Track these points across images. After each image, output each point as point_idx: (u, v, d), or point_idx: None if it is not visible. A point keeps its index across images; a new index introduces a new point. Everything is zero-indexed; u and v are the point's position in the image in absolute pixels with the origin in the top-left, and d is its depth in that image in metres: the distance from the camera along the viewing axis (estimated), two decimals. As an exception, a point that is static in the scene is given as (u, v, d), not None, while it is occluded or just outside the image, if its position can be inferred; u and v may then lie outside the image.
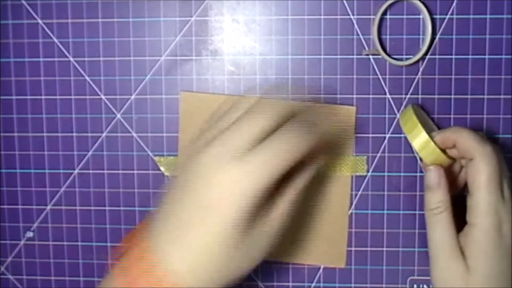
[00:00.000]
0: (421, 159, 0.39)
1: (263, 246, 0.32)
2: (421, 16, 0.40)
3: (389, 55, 0.40)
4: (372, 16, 0.41)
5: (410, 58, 0.40)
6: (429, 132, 0.37)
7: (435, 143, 0.36)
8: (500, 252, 0.34)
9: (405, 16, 0.40)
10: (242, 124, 0.32)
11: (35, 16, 0.42)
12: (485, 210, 0.34)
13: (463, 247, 0.35)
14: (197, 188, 0.31)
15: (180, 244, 0.31)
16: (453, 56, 0.41)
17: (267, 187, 0.30)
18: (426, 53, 0.40)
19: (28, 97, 0.43)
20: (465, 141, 0.35)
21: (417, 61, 0.40)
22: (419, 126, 0.37)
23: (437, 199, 0.36)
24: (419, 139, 0.37)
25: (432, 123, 0.41)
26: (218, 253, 0.30)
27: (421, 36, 0.41)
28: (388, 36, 0.41)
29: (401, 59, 0.40)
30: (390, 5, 0.40)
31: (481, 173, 0.34)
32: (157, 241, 0.32)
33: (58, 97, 0.43)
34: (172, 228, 0.32)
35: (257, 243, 0.32)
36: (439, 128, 0.41)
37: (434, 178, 0.36)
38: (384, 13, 0.40)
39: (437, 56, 0.41)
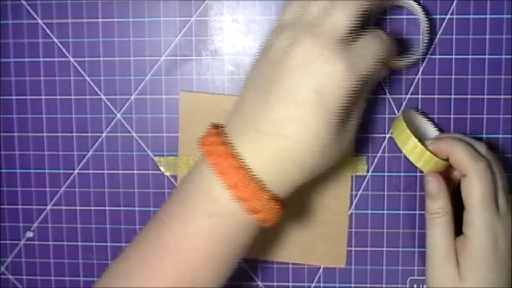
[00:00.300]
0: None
1: (344, 149, 0.33)
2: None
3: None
4: (372, 16, 0.41)
5: (408, 59, 0.40)
6: (424, 137, 0.37)
7: (430, 150, 0.36)
8: (495, 264, 0.34)
9: (405, 16, 0.40)
10: (336, 14, 0.31)
11: (35, 16, 0.42)
12: (480, 226, 0.34)
13: (458, 254, 0.35)
14: (301, 80, 0.30)
15: (272, 138, 0.31)
16: (453, 56, 0.41)
17: (363, 82, 0.31)
18: (425, 54, 0.40)
19: (28, 97, 0.43)
20: (458, 157, 0.35)
21: (416, 63, 0.40)
22: (413, 138, 0.36)
23: (437, 205, 0.36)
24: (414, 152, 0.36)
25: (430, 123, 0.40)
26: (314, 148, 0.30)
27: (421, 36, 0.41)
28: (388, 36, 0.41)
29: (400, 59, 0.40)
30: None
31: (474, 190, 0.34)
32: (237, 138, 0.32)
33: (58, 97, 0.43)
34: (262, 123, 0.31)
35: (342, 145, 0.32)
36: (439, 127, 0.41)
37: (434, 187, 0.36)
38: (384, 13, 0.40)
39: (437, 56, 0.41)
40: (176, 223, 0.32)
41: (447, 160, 0.37)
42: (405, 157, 0.37)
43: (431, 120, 0.41)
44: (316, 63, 0.30)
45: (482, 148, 0.37)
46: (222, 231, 0.32)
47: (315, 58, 0.30)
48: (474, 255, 0.34)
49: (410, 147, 0.36)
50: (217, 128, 0.33)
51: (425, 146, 0.36)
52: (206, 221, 0.32)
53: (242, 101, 0.33)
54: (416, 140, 0.36)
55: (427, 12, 0.40)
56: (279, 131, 0.30)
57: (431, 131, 0.40)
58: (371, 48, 0.31)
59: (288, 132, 0.30)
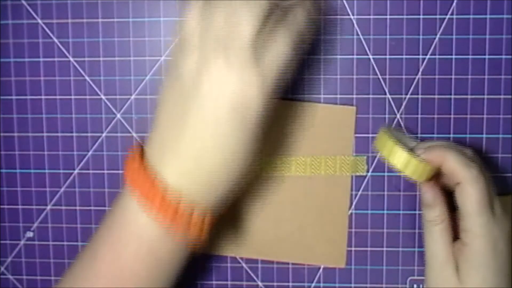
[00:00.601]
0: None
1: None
2: (421, 16, 0.40)
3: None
4: (372, 16, 0.41)
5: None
6: (408, 148, 0.36)
7: (418, 157, 0.36)
8: (494, 267, 0.34)
9: (405, 16, 0.40)
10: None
11: (35, 16, 0.42)
12: (478, 232, 0.34)
13: (457, 259, 0.35)
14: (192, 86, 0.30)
15: (172, 152, 0.31)
16: (453, 56, 0.41)
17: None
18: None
19: (28, 97, 0.43)
20: (451, 165, 0.35)
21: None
22: (396, 147, 0.36)
23: (433, 214, 0.36)
24: (401, 160, 0.36)
25: (410, 138, 0.40)
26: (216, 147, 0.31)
27: (421, 36, 0.41)
28: (388, 36, 0.41)
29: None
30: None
31: (469, 197, 0.34)
32: (150, 149, 0.32)
33: (58, 97, 0.43)
34: (164, 135, 0.32)
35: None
36: (417, 140, 0.40)
37: (430, 197, 0.36)
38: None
39: (437, 56, 0.41)
40: (105, 249, 0.33)
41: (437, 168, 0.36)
42: (393, 167, 0.36)
43: (409, 134, 0.40)
44: (230, 83, 0.30)
45: (470, 153, 0.37)
46: (152, 255, 0.32)
47: (229, 79, 0.30)
48: (473, 260, 0.34)
49: (397, 157, 0.36)
50: (139, 153, 0.33)
51: (413, 153, 0.36)
52: (134, 245, 0.32)
53: (159, 124, 0.33)
54: (401, 148, 0.36)
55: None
56: (197, 153, 0.31)
57: (411, 144, 0.39)
58: (283, 43, 0.31)
59: (206, 152, 0.31)
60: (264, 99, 0.30)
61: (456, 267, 0.35)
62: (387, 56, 0.41)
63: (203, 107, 0.30)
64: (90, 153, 0.43)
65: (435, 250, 0.36)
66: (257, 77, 0.30)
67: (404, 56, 0.41)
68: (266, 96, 0.30)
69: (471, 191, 0.34)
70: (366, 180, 0.42)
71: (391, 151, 0.36)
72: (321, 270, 0.43)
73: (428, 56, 0.41)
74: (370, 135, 0.42)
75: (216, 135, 0.30)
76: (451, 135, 0.41)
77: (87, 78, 0.43)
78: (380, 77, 0.41)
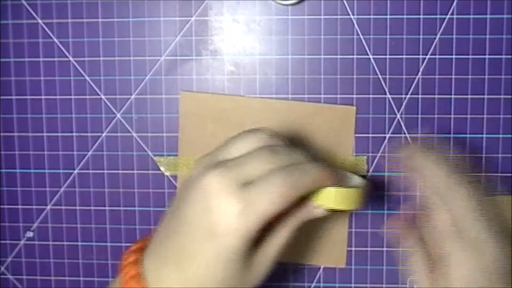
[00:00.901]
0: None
1: (259, 275, 0.33)
2: (421, 16, 0.40)
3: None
4: (372, 16, 0.41)
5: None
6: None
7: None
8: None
9: (405, 16, 0.40)
10: (250, 158, 0.31)
11: (35, 16, 0.42)
12: (455, 260, 0.32)
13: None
14: (202, 213, 0.31)
15: (176, 269, 0.31)
16: (453, 56, 0.41)
17: (266, 219, 0.30)
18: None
19: (28, 97, 0.43)
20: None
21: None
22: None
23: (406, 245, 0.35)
24: (327, 195, 0.33)
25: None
26: (216, 281, 0.31)
27: (421, 36, 0.41)
28: (388, 36, 0.41)
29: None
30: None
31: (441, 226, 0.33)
32: (150, 263, 0.32)
33: (58, 97, 0.43)
34: (168, 252, 0.32)
35: (254, 273, 0.32)
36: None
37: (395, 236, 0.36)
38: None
39: (437, 56, 0.41)
40: None
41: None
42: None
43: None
44: (213, 201, 0.30)
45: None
46: None
47: (213, 196, 0.30)
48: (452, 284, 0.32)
49: (324, 195, 0.33)
50: (139, 257, 0.34)
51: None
52: None
53: (159, 229, 0.33)
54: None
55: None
56: (181, 266, 0.31)
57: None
58: (274, 184, 0.30)
59: (189, 267, 0.31)
60: (244, 229, 0.30)
61: None
62: (387, 56, 0.41)
63: (189, 220, 0.31)
64: (90, 153, 0.43)
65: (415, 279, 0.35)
66: (238, 207, 0.30)
67: (404, 56, 0.41)
68: (247, 226, 0.30)
69: (443, 218, 0.33)
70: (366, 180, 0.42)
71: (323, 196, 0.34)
72: (321, 270, 0.43)
73: (428, 56, 0.41)
74: (370, 135, 0.42)
75: (196, 253, 0.31)
76: (451, 135, 0.41)
77: (87, 78, 0.43)
78: (380, 77, 0.41)
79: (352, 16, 0.41)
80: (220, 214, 0.30)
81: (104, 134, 0.43)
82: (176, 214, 0.32)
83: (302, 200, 0.33)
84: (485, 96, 0.41)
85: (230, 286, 0.31)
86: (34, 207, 0.44)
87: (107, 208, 0.43)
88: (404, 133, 0.41)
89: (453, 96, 0.41)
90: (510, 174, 0.41)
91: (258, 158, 0.31)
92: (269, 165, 0.31)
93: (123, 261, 0.33)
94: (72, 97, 0.43)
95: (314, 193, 0.33)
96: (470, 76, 0.41)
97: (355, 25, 0.41)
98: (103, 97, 0.43)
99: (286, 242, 0.33)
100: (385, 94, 0.41)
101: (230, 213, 0.30)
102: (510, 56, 0.40)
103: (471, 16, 0.40)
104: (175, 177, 0.43)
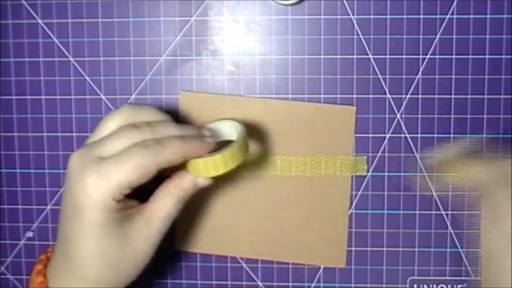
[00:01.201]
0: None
1: (144, 248, 0.33)
2: (421, 16, 0.40)
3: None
4: (372, 16, 0.41)
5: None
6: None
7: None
8: None
9: (405, 16, 0.40)
10: (111, 136, 0.33)
11: (35, 16, 0.42)
12: None
13: None
14: (68, 193, 0.32)
15: (65, 259, 0.33)
16: (453, 56, 0.41)
17: (124, 190, 0.31)
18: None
19: (28, 97, 0.43)
20: None
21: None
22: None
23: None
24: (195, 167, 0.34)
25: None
26: (95, 260, 0.32)
27: (421, 36, 0.41)
28: (388, 36, 0.41)
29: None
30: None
31: None
32: (52, 265, 0.34)
33: (58, 97, 0.43)
34: (58, 246, 0.34)
35: (137, 245, 0.33)
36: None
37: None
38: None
39: (437, 56, 0.41)
40: None
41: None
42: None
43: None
44: (73, 178, 0.32)
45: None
46: None
47: (73, 173, 0.32)
48: None
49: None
50: (45, 264, 0.35)
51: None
52: None
53: (57, 241, 0.34)
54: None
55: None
56: (66, 254, 0.33)
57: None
58: (129, 157, 0.31)
59: (70, 251, 0.32)
60: (102, 201, 0.31)
61: None
62: (387, 56, 0.41)
63: (63, 201, 0.33)
64: (90, 153, 0.43)
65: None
66: (92, 179, 0.31)
67: (404, 56, 0.41)
68: (104, 197, 0.31)
69: None
70: (366, 180, 0.42)
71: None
72: (321, 270, 0.43)
73: (428, 56, 0.41)
74: (370, 135, 0.42)
75: (67, 232, 0.32)
76: (451, 135, 0.41)
77: (87, 78, 0.43)
78: (380, 77, 0.41)
79: (352, 16, 0.41)
80: (78, 188, 0.31)
81: (104, 134, 0.43)
82: (61, 213, 0.33)
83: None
84: (485, 96, 0.41)
85: (112, 264, 0.32)
86: (34, 207, 0.44)
87: (107, 208, 0.43)
88: (404, 133, 0.41)
89: (453, 96, 0.41)
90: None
91: (118, 135, 0.32)
92: (129, 141, 0.32)
93: (32, 272, 0.35)
94: (72, 97, 0.43)
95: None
96: (470, 76, 0.41)
97: (355, 25, 0.41)
98: (103, 97, 0.43)
99: (172, 213, 0.34)
100: (385, 94, 0.41)
101: (86, 186, 0.31)
102: (510, 56, 0.40)
103: (471, 16, 0.40)
104: (175, 177, 0.43)
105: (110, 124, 0.34)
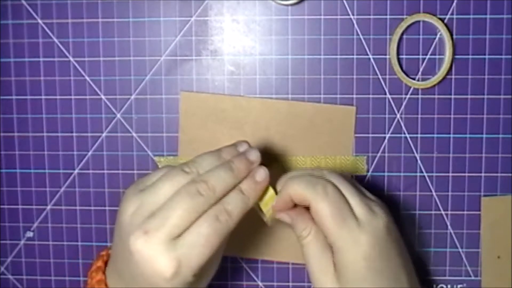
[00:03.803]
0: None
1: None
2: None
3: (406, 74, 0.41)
4: (372, 16, 0.41)
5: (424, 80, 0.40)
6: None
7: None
8: (369, 277, 0.32)
9: (405, 16, 0.40)
10: (172, 210, 0.31)
11: (35, 16, 0.42)
12: (341, 245, 0.32)
13: (335, 269, 0.34)
14: (146, 281, 0.31)
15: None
16: (453, 56, 0.41)
17: (208, 259, 0.31)
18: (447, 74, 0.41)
19: (28, 97, 0.43)
20: (296, 193, 0.33)
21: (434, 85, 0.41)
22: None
23: (298, 230, 0.35)
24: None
25: None
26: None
27: (421, 36, 0.41)
28: (388, 36, 0.41)
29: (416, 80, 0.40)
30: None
31: (320, 214, 0.32)
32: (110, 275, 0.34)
33: (58, 97, 0.43)
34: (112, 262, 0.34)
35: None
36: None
37: (286, 219, 0.35)
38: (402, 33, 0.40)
39: (437, 56, 0.41)
40: None
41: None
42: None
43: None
44: (147, 268, 0.30)
45: (320, 172, 0.35)
46: None
47: (145, 263, 0.30)
48: (345, 271, 0.33)
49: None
50: (104, 265, 0.35)
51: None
52: None
53: (113, 252, 0.35)
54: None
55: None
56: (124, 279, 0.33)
57: None
58: (204, 235, 0.30)
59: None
60: (180, 282, 0.30)
61: (335, 277, 0.33)
62: (387, 56, 0.41)
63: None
64: (90, 153, 0.43)
65: (312, 262, 0.34)
66: (170, 267, 0.30)
67: (404, 56, 0.41)
68: (182, 279, 0.30)
69: (320, 208, 0.32)
70: (366, 180, 0.42)
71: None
72: (321, 270, 0.43)
73: (428, 56, 0.41)
74: (370, 135, 0.42)
75: None
76: (451, 135, 0.41)
77: (87, 78, 0.43)
78: (380, 77, 0.41)
79: (352, 16, 0.41)
80: (155, 279, 0.30)
81: (104, 134, 0.43)
82: (119, 255, 0.33)
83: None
84: (485, 96, 0.41)
85: None
86: (34, 207, 0.44)
87: (107, 208, 0.43)
88: (404, 133, 0.41)
89: (452, 96, 0.41)
90: (510, 174, 0.41)
91: (179, 207, 0.31)
92: (192, 214, 0.31)
93: (91, 268, 0.35)
94: (72, 97, 0.43)
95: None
96: (469, 76, 0.41)
97: (355, 25, 0.41)
98: (103, 97, 0.43)
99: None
100: (385, 94, 0.41)
101: (166, 277, 0.30)
102: (510, 56, 0.40)
103: (471, 16, 0.40)
104: (175, 177, 0.43)
105: (165, 186, 0.32)
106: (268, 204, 0.34)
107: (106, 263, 0.35)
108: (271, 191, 0.34)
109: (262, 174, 0.33)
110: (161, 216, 0.30)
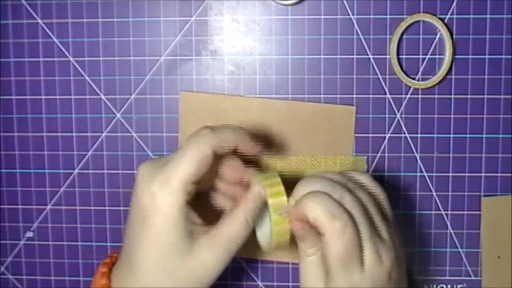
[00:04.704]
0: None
1: (209, 264, 0.33)
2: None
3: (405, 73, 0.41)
4: (372, 16, 0.41)
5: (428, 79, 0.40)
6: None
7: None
8: None
9: (405, 16, 0.40)
10: (175, 155, 0.33)
11: (35, 16, 0.42)
12: (341, 284, 0.32)
13: None
14: (134, 201, 0.33)
15: (129, 269, 0.33)
16: (453, 56, 0.41)
17: (190, 191, 0.32)
18: (447, 74, 0.41)
19: (28, 97, 0.43)
20: (312, 216, 0.32)
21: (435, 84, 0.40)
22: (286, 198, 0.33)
23: (304, 245, 0.34)
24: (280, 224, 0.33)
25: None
26: (160, 274, 0.32)
27: (421, 36, 0.41)
28: (388, 36, 0.41)
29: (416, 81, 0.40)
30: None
31: (331, 251, 0.31)
32: (116, 273, 0.34)
33: (58, 97, 0.43)
34: (123, 256, 0.34)
35: (202, 261, 0.32)
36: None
37: (298, 230, 0.33)
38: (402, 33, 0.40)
39: (437, 56, 0.41)
40: None
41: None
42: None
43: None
44: (139, 187, 0.32)
45: (347, 197, 0.33)
46: None
47: (139, 182, 0.32)
48: None
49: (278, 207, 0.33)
50: (109, 268, 0.36)
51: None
52: None
53: (124, 248, 0.35)
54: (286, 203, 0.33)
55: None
56: (131, 264, 0.33)
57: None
58: (186, 147, 0.33)
59: (136, 263, 0.33)
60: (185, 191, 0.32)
61: None
62: (387, 56, 0.41)
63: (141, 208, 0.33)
64: (90, 153, 0.43)
65: (306, 282, 0.34)
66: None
67: (404, 56, 0.41)
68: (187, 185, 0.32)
69: (332, 246, 0.31)
70: (366, 180, 0.42)
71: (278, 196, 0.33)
72: (321, 270, 0.43)
73: (428, 56, 0.41)
74: (370, 135, 0.42)
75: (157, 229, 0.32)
76: (451, 135, 0.41)
77: (87, 78, 0.43)
78: (380, 77, 0.41)
79: (352, 16, 0.41)
80: (144, 197, 0.31)
81: (104, 134, 0.43)
82: (128, 219, 0.34)
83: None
84: (485, 96, 0.41)
85: (172, 275, 0.32)
86: (34, 207, 0.44)
87: (107, 208, 0.43)
88: (404, 133, 0.41)
89: (453, 96, 0.41)
90: (510, 174, 0.41)
91: (187, 150, 0.33)
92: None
93: (96, 272, 0.35)
94: (72, 97, 0.43)
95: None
96: (470, 76, 0.41)
97: (355, 25, 0.41)
98: (103, 97, 0.43)
99: (241, 235, 0.33)
100: (385, 94, 0.41)
101: (151, 193, 0.31)
102: (510, 56, 0.40)
103: (471, 16, 0.40)
104: (175, 177, 0.43)
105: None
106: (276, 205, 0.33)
107: (110, 270, 0.35)
108: (283, 197, 0.33)
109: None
110: (169, 157, 0.33)
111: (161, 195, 0.31)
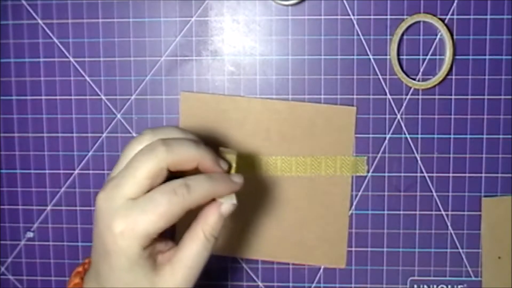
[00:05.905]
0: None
1: (183, 279, 0.32)
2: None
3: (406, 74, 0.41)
4: (372, 17, 0.41)
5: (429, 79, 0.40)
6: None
7: None
8: None
9: (405, 17, 0.40)
10: (128, 171, 0.31)
11: (35, 16, 0.42)
12: None
13: None
14: (97, 234, 0.32)
15: (96, 284, 0.33)
16: (454, 56, 0.41)
17: (153, 236, 0.31)
18: (447, 74, 0.41)
19: (28, 97, 0.43)
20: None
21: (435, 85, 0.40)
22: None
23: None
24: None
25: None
26: None
27: (421, 37, 0.41)
28: (388, 36, 0.41)
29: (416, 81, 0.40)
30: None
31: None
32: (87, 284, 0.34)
33: (58, 97, 0.43)
34: (92, 269, 0.34)
35: (170, 275, 0.32)
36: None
37: None
38: (402, 33, 0.40)
39: (437, 57, 0.41)
40: None
41: None
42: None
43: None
44: (102, 223, 0.31)
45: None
46: None
47: (101, 217, 0.31)
48: None
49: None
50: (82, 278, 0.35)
51: None
52: None
53: (92, 262, 0.34)
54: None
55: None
56: (98, 281, 0.33)
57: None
58: (157, 205, 0.30)
59: (101, 283, 0.32)
60: (145, 238, 0.30)
61: None
62: (387, 56, 0.41)
63: (104, 242, 0.32)
64: (90, 153, 0.43)
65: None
66: (122, 227, 0.30)
67: (404, 57, 0.41)
68: (134, 245, 0.30)
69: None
70: (366, 180, 0.42)
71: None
72: (321, 270, 0.43)
73: (428, 57, 0.41)
74: (371, 135, 0.42)
75: (116, 265, 0.31)
76: (452, 136, 0.41)
77: (87, 78, 0.43)
78: (380, 77, 0.41)
79: (352, 16, 0.41)
80: (106, 234, 0.30)
81: (104, 135, 0.43)
82: (93, 233, 0.33)
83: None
84: (485, 97, 0.41)
85: None
86: (34, 207, 0.44)
87: (107, 208, 0.43)
88: (404, 134, 0.41)
89: (453, 97, 0.41)
90: (510, 175, 0.41)
91: (140, 166, 0.31)
92: (152, 179, 0.31)
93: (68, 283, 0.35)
94: (72, 97, 0.43)
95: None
96: (470, 77, 0.41)
97: (355, 25, 0.41)
98: (103, 97, 0.43)
99: (202, 255, 0.32)
100: (385, 94, 0.41)
101: (113, 234, 0.30)
102: (510, 57, 0.40)
103: (471, 17, 0.40)
104: (175, 177, 0.43)
105: (132, 154, 0.32)
106: None
107: (86, 271, 0.35)
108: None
109: (239, 179, 0.33)
110: (123, 178, 0.31)
111: (123, 240, 0.30)
